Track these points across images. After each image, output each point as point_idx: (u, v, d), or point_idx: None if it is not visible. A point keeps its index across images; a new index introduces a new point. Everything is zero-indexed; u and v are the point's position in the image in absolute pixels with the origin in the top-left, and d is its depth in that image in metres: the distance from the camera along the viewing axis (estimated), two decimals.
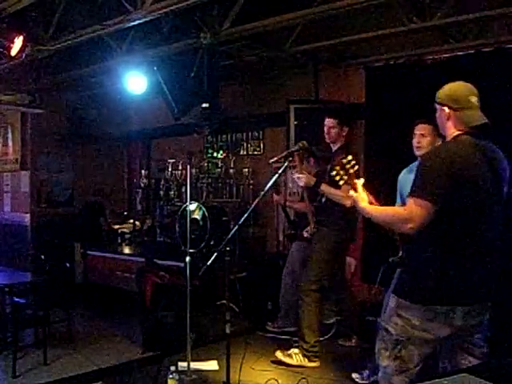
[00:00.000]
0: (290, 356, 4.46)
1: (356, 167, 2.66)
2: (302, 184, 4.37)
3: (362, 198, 2.65)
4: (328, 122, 4.48)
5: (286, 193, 6.64)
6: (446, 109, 2.54)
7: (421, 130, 3.66)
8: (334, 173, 2.67)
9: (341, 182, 2.68)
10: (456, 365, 2.51)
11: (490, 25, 4.97)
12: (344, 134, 4.47)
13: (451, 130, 2.54)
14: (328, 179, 4.25)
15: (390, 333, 2.50)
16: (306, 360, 4.43)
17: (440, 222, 2.38)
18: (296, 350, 4.47)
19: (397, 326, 2.47)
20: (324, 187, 4.33)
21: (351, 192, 2.67)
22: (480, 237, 2.45)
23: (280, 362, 4.48)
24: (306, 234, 4.80)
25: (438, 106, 2.60)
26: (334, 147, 4.52)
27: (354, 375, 4.11)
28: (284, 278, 5.39)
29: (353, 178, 2.67)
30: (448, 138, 2.57)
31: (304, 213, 5.29)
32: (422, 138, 3.64)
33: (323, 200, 4.55)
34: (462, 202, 2.39)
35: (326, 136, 4.49)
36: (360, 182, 2.68)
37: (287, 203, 5.47)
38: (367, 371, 4.04)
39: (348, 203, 3.60)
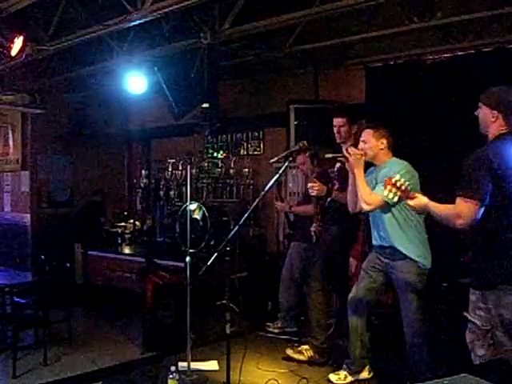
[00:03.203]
0: (300, 352, 4.54)
1: (407, 184, 2.91)
2: (314, 194, 4.40)
3: (422, 198, 2.88)
4: (337, 121, 4.39)
5: (287, 193, 6.65)
6: (495, 112, 2.80)
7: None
8: (386, 193, 2.93)
9: (395, 199, 2.97)
10: None
11: (490, 25, 4.97)
12: (353, 131, 4.42)
13: (496, 130, 2.81)
14: (337, 178, 4.34)
15: (477, 324, 2.73)
16: (316, 355, 4.49)
17: (494, 210, 2.65)
18: (306, 347, 4.56)
19: (481, 318, 2.71)
20: (335, 194, 4.37)
21: (410, 202, 2.89)
22: None
23: (281, 363, 4.50)
24: (312, 230, 4.77)
25: (483, 107, 2.86)
26: (345, 147, 4.46)
27: (332, 378, 4.10)
28: (283, 279, 5.39)
29: (406, 192, 2.91)
30: (490, 137, 2.82)
31: (304, 215, 5.30)
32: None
33: (328, 201, 4.58)
34: (506, 196, 2.64)
35: (337, 136, 4.40)
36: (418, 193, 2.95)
37: (292, 209, 5.46)
38: (344, 371, 4.05)
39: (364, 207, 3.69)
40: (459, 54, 5.28)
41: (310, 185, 4.38)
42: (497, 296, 2.66)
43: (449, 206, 2.76)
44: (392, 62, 5.78)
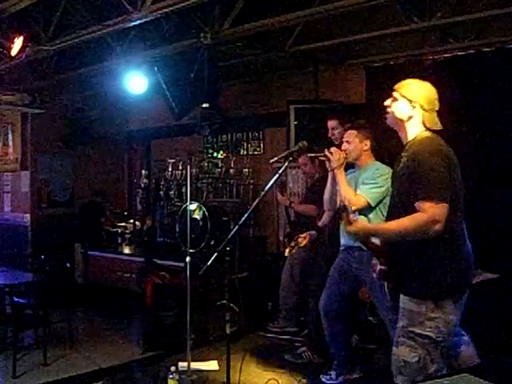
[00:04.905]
0: (299, 356, 4.58)
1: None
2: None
3: (364, 224, 2.74)
4: (329, 123, 4.45)
5: (287, 193, 6.65)
6: (417, 106, 2.64)
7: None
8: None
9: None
10: None
11: (490, 25, 4.97)
12: None
13: (416, 128, 2.67)
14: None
15: (430, 337, 2.50)
16: (316, 356, 4.52)
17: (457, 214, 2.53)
18: (304, 349, 4.60)
19: (434, 329, 2.49)
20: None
21: (349, 228, 2.65)
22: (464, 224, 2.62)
23: (281, 363, 4.51)
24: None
25: (403, 100, 2.68)
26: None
27: (323, 378, 4.12)
28: (283, 279, 5.39)
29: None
30: (410, 134, 2.68)
31: (303, 215, 5.30)
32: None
33: None
34: (456, 195, 2.53)
35: (332, 138, 4.46)
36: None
37: (292, 205, 5.47)
38: (334, 371, 4.07)
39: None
40: (459, 53, 5.28)
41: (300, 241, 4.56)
42: (449, 304, 2.51)
43: (411, 217, 2.51)
44: (392, 62, 5.78)
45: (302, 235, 4.65)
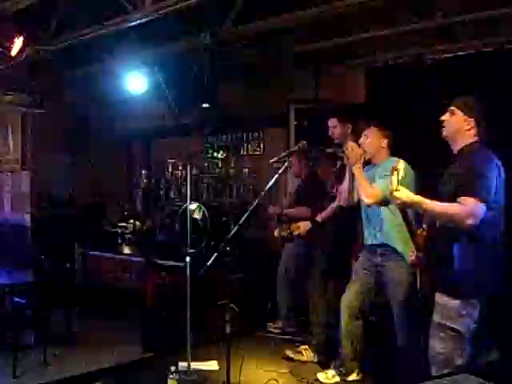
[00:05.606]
0: (299, 353, 4.59)
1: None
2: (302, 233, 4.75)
3: (408, 192, 2.71)
4: (330, 122, 4.50)
5: (287, 193, 6.65)
6: (472, 119, 2.86)
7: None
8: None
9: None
10: None
11: (490, 25, 4.96)
12: (349, 130, 4.46)
13: (470, 138, 2.86)
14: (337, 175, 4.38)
15: (459, 331, 2.67)
16: (316, 355, 4.52)
17: (494, 219, 2.70)
18: (305, 347, 4.61)
19: (463, 325, 2.67)
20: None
21: (396, 193, 2.67)
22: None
23: (281, 363, 4.50)
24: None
25: (460, 114, 2.88)
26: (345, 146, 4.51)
27: (320, 376, 4.13)
28: (278, 279, 5.39)
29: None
30: (462, 143, 2.87)
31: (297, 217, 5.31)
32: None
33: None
34: (501, 201, 2.74)
35: (332, 136, 4.50)
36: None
37: (284, 212, 5.46)
38: (332, 371, 4.08)
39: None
40: (459, 53, 5.28)
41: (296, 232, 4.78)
42: (479, 305, 2.68)
43: (452, 204, 2.67)
44: (392, 62, 5.78)
45: (297, 224, 4.71)
